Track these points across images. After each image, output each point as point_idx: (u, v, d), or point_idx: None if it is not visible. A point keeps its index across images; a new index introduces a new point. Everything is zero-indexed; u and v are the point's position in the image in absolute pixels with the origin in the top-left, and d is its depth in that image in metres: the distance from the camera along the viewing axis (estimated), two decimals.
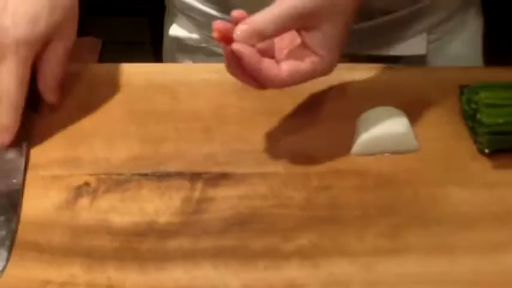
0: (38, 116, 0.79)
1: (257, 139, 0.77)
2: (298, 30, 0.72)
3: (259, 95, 0.81)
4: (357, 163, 0.75)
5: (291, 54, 0.72)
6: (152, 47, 1.85)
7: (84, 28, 2.32)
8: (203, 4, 0.96)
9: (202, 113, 0.80)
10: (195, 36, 1.00)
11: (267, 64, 0.70)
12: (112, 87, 0.84)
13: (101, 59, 1.94)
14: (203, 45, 1.00)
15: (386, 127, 0.75)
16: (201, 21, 0.98)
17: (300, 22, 0.71)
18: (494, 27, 1.06)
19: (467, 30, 1.00)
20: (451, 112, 0.79)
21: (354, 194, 0.71)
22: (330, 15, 0.72)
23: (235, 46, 0.68)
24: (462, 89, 0.78)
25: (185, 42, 1.01)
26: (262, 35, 0.69)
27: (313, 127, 0.78)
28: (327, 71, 0.74)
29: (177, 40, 1.02)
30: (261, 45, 0.70)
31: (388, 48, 0.95)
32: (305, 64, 0.72)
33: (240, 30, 0.69)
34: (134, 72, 0.85)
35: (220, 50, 0.98)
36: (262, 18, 0.69)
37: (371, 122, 0.76)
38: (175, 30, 1.01)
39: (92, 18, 2.27)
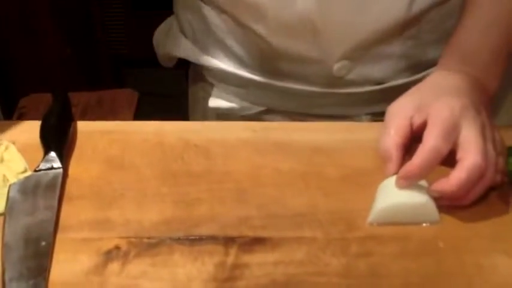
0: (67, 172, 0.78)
1: (294, 202, 0.74)
2: None
3: (295, 156, 0.79)
4: (398, 228, 0.71)
5: None
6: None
7: (121, 80, 2.36)
8: (247, 71, 0.95)
9: (237, 174, 0.78)
10: (235, 106, 0.98)
11: None
12: (145, 145, 0.82)
13: (138, 111, 1.94)
14: (244, 113, 0.98)
15: (405, 196, 0.72)
16: (240, 91, 0.97)
17: None
18: None
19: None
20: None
21: (395, 261, 0.68)
22: None
23: None
24: (510, 150, 0.75)
25: (224, 112, 0.99)
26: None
27: (353, 189, 0.75)
28: None
29: (216, 110, 1.00)
30: None
31: None
32: None
33: None
34: (168, 131, 0.84)
35: (259, 117, 0.97)
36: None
37: (390, 190, 0.72)
38: (215, 102, 0.99)
39: (129, 70, 2.29)
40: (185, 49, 1.00)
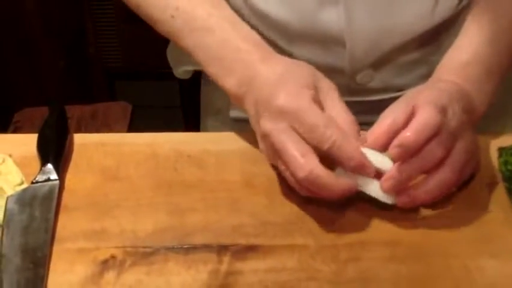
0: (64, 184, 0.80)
1: (285, 210, 0.76)
2: None
3: None
4: (387, 233, 0.73)
5: None
6: (182, 110, 1.86)
7: (114, 93, 2.37)
8: None
9: (230, 183, 0.79)
10: None
11: None
12: (139, 157, 0.83)
13: (131, 124, 1.96)
14: None
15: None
16: None
17: None
18: None
19: None
20: (491, 174, 0.78)
21: (384, 266, 0.70)
22: None
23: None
24: (501, 150, 0.77)
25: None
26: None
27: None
28: None
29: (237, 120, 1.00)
30: None
31: None
32: None
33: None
34: (162, 142, 0.85)
35: None
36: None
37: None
38: (236, 113, 0.99)
39: (122, 83, 2.30)
40: None
